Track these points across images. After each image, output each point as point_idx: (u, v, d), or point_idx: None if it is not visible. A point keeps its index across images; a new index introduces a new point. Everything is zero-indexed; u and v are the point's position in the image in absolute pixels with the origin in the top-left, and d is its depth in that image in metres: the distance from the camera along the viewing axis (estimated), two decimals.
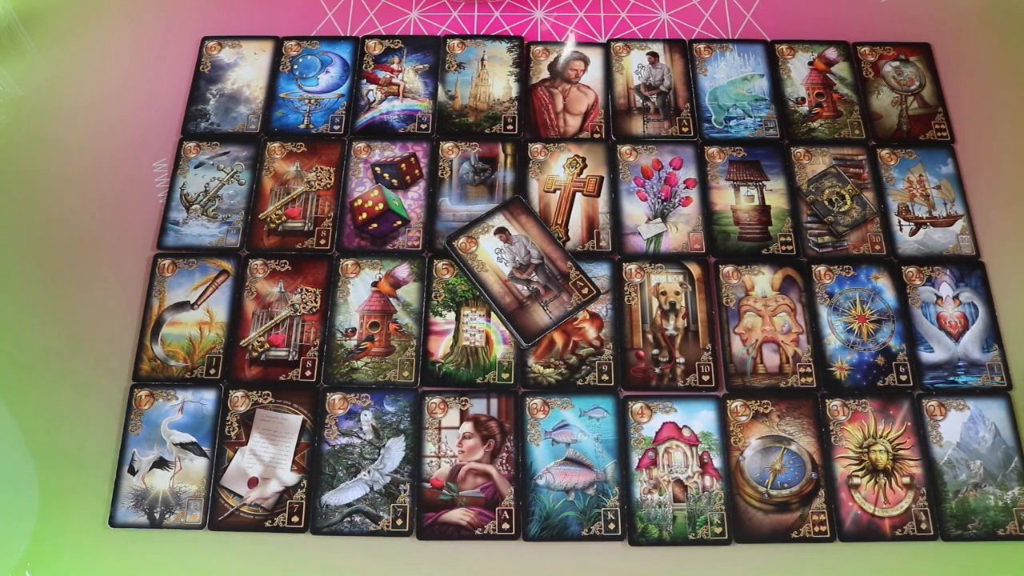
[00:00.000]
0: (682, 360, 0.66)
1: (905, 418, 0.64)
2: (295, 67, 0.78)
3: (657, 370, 0.65)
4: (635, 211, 0.71)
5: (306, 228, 0.70)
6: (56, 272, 0.70)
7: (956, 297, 0.68)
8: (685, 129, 0.75)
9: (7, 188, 0.73)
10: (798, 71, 0.78)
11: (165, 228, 0.71)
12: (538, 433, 0.63)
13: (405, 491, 0.61)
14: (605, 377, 0.65)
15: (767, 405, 0.64)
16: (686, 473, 0.62)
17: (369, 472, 0.62)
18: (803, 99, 0.76)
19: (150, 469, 0.62)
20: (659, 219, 0.71)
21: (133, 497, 0.61)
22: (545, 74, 0.78)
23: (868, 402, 0.64)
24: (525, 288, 0.68)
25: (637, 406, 0.64)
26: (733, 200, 0.72)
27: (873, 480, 0.62)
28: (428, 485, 0.61)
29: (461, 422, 0.63)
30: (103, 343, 0.67)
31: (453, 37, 0.80)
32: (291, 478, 0.62)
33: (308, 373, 0.65)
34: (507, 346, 0.66)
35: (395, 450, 0.63)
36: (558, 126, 0.75)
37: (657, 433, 0.63)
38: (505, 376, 0.65)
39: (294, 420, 0.63)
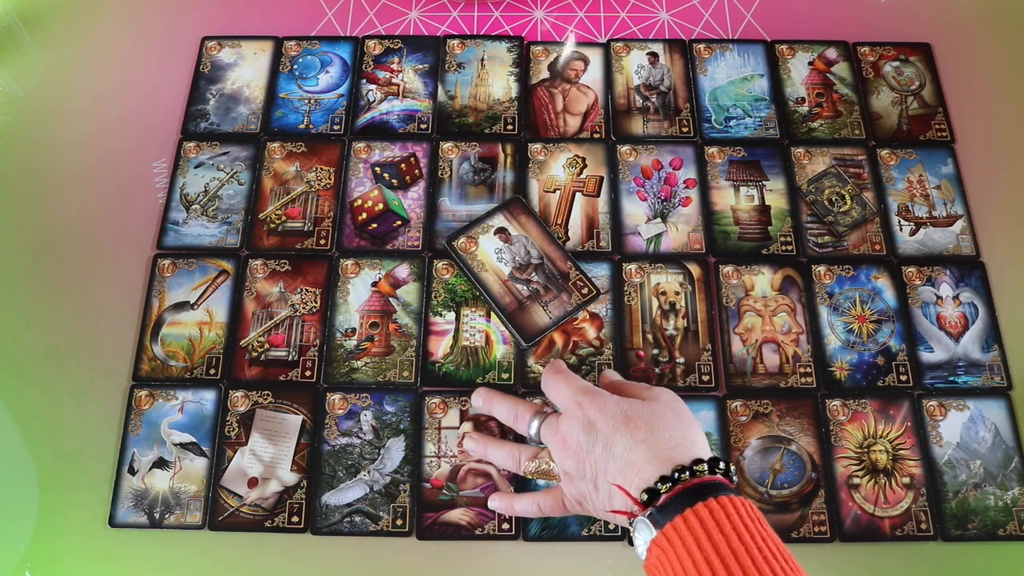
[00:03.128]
0: (682, 360, 0.66)
1: (905, 418, 0.64)
2: (295, 67, 0.78)
3: (657, 370, 0.65)
4: (635, 211, 0.71)
5: (306, 228, 0.70)
6: (56, 272, 0.70)
7: (956, 297, 0.68)
8: (685, 129, 0.75)
9: (6, 188, 0.73)
10: (798, 71, 0.78)
11: (165, 228, 0.71)
12: None
13: (405, 491, 0.61)
14: None
15: (767, 405, 0.64)
16: None
17: (369, 472, 0.62)
18: (803, 99, 0.76)
19: (150, 469, 0.62)
20: (659, 219, 0.71)
21: (133, 497, 0.61)
22: (545, 74, 0.78)
23: (868, 402, 0.64)
24: (525, 288, 0.68)
25: None
26: (733, 200, 0.72)
27: (873, 480, 0.62)
28: (428, 485, 0.61)
29: (461, 422, 0.63)
30: (103, 343, 0.67)
31: (453, 37, 0.80)
32: (291, 478, 0.62)
33: (308, 373, 0.65)
34: (507, 346, 0.66)
35: (395, 450, 0.63)
36: (558, 126, 0.75)
37: None
38: (505, 376, 0.65)
39: (294, 420, 0.63)
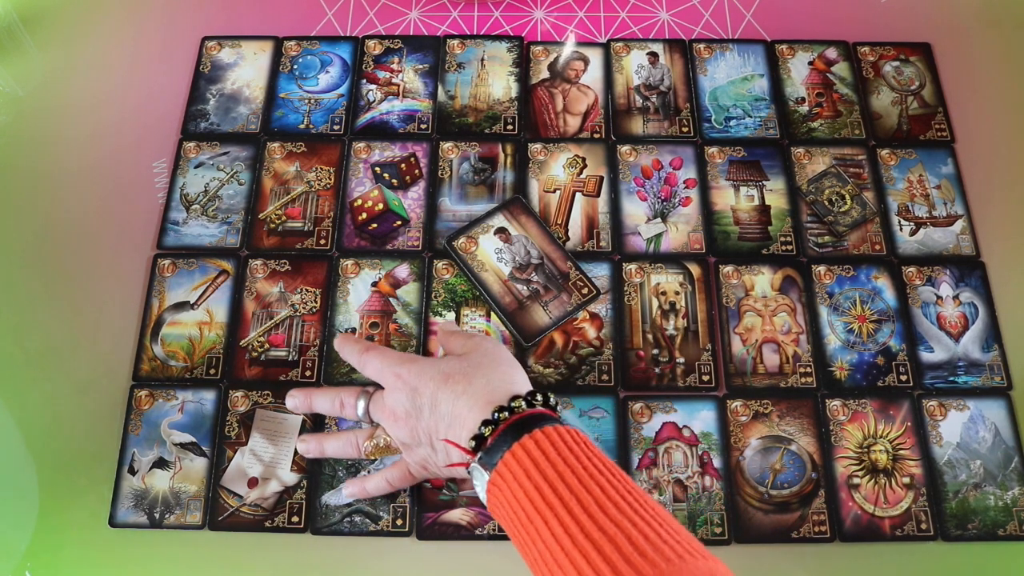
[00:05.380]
0: (682, 360, 0.66)
1: (905, 418, 0.64)
2: (295, 67, 0.78)
3: (657, 370, 0.65)
4: (635, 211, 0.71)
5: (306, 228, 0.70)
6: (56, 272, 0.70)
7: (956, 297, 0.68)
8: (685, 129, 0.75)
9: (6, 188, 0.73)
10: (798, 71, 0.78)
11: (165, 228, 0.71)
12: None
13: (405, 491, 0.61)
14: (605, 377, 0.65)
15: (767, 405, 0.64)
16: (686, 473, 0.62)
17: (369, 472, 0.62)
18: (803, 99, 0.76)
19: (150, 469, 0.62)
20: (659, 219, 0.71)
21: (133, 497, 0.61)
22: (545, 74, 0.78)
23: (868, 402, 0.64)
24: (525, 288, 0.68)
25: (637, 406, 0.64)
26: (733, 200, 0.72)
27: (873, 480, 0.62)
28: (428, 485, 0.61)
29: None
30: (103, 343, 0.67)
31: (453, 37, 0.80)
32: (291, 478, 0.62)
33: (308, 373, 0.65)
34: (507, 346, 0.66)
35: None
36: (558, 126, 0.75)
37: (657, 433, 0.63)
38: None
39: (294, 420, 0.63)
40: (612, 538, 0.38)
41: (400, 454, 0.54)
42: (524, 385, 0.50)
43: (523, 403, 0.46)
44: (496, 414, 0.46)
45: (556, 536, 0.39)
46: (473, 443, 0.46)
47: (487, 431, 0.45)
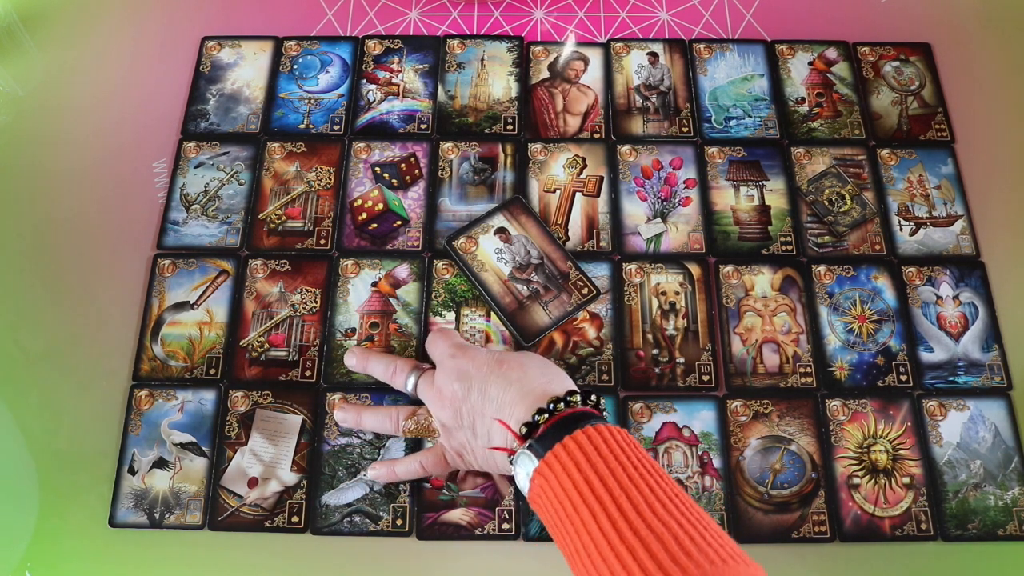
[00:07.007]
0: (682, 360, 0.66)
1: (905, 418, 0.64)
2: (295, 67, 0.78)
3: (657, 370, 0.65)
4: (635, 211, 0.71)
5: (306, 228, 0.70)
6: (56, 272, 0.70)
7: (956, 297, 0.68)
8: (685, 129, 0.75)
9: (6, 188, 0.73)
10: (798, 71, 0.78)
11: (165, 228, 0.71)
12: None
13: (405, 491, 0.61)
14: (605, 377, 0.65)
15: (767, 405, 0.64)
16: (686, 473, 0.62)
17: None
18: (803, 99, 0.76)
19: (150, 469, 0.62)
20: (659, 219, 0.71)
21: (133, 497, 0.61)
22: (545, 74, 0.78)
23: (868, 402, 0.64)
24: (525, 288, 0.68)
25: (637, 406, 0.64)
26: (733, 200, 0.72)
27: (873, 480, 0.62)
28: (428, 485, 0.61)
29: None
30: (103, 343, 0.67)
31: (453, 37, 0.80)
32: (291, 478, 0.62)
33: (308, 373, 0.65)
34: (507, 346, 0.66)
35: (395, 450, 0.63)
36: (558, 126, 0.75)
37: (657, 433, 0.63)
38: None
39: (294, 420, 0.63)
40: (659, 537, 0.39)
41: (437, 438, 0.55)
42: (572, 386, 0.51)
43: (579, 399, 0.47)
44: (552, 404, 0.47)
45: (603, 530, 0.40)
46: (524, 429, 0.46)
47: (541, 420, 0.46)
